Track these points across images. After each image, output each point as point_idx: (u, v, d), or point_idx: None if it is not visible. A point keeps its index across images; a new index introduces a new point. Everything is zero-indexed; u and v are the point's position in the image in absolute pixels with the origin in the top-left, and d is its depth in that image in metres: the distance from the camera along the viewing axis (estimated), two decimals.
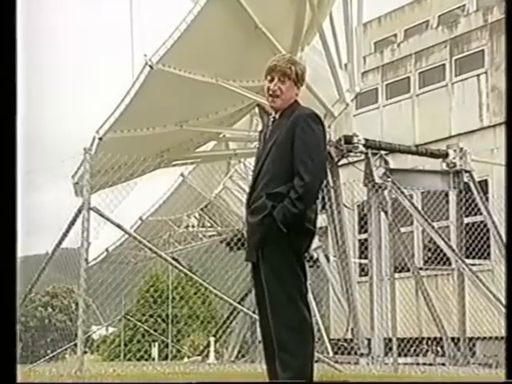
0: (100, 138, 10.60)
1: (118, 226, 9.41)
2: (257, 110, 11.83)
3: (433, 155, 12.24)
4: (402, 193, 11.29)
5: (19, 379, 2.81)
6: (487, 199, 12.62)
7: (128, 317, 20.56)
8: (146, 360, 19.11)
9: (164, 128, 11.19)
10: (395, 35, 20.86)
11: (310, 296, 11.41)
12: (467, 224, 12.48)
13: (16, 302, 2.82)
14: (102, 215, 8.69)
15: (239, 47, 10.02)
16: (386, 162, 11.34)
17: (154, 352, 18.93)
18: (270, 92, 4.04)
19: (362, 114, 18.17)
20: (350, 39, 11.25)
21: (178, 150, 12.18)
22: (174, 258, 13.01)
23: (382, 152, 11.36)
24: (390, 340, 10.52)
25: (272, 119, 4.14)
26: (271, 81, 4.05)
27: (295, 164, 3.89)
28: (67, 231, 8.94)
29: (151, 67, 9.63)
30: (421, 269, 13.13)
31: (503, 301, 9.48)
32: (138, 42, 11.52)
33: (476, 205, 12.06)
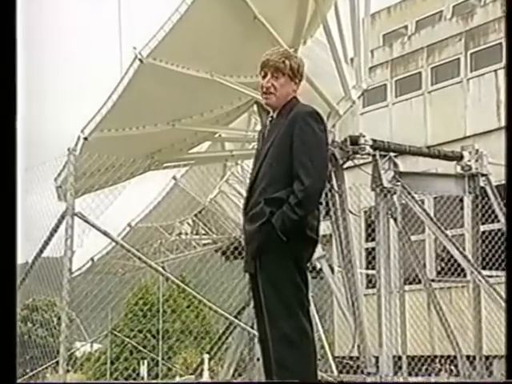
0: (85, 138, 10.62)
1: (105, 234, 9.42)
2: (255, 107, 11.84)
3: (446, 157, 12.26)
4: (413, 198, 11.30)
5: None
6: (505, 205, 12.65)
7: (115, 332, 20.55)
8: (135, 379, 19.10)
9: (155, 127, 11.21)
10: (406, 27, 20.92)
11: (313, 309, 11.43)
12: (483, 232, 12.51)
13: (16, 301, 3.07)
14: (87, 221, 8.71)
15: (236, 40, 10.05)
16: (396, 165, 11.35)
17: (143, 370, 18.91)
18: (264, 89, 4.09)
19: (370, 113, 18.22)
20: (356, 31, 11.28)
21: (170, 150, 12.19)
22: (163, 268, 13.02)
23: (391, 154, 11.38)
24: (400, 358, 10.53)
25: (270, 119, 4.18)
26: (264, 77, 4.11)
27: (294, 166, 3.93)
28: (49, 239, 8.96)
29: (141, 61, 9.64)
30: (433, 281, 13.15)
31: None
32: (127, 34, 11.55)
33: (493, 211, 12.09)
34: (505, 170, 3.82)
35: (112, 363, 21.72)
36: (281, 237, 3.86)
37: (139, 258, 10.56)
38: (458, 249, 11.58)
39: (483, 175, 11.97)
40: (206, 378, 14.37)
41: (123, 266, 16.60)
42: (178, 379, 16.12)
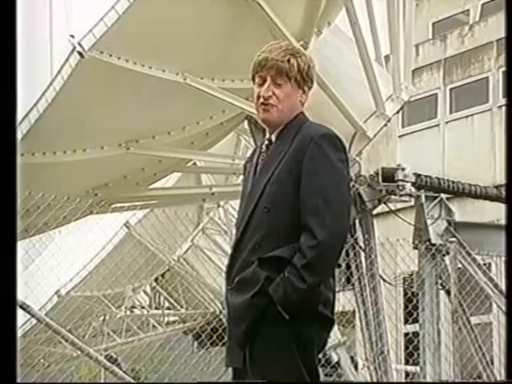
0: None
1: (21, 307, 9.39)
2: (246, 125, 11.94)
3: None
4: (474, 261, 11.34)
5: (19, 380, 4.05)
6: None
7: None
8: None
9: (101, 151, 11.27)
10: (466, 12, 21.20)
11: None
12: None
13: (16, 299, 4.02)
14: None
15: (222, 29, 10.17)
16: (450, 212, 11.42)
17: None
18: (261, 100, 4.15)
19: (412, 135, 18.34)
20: (394, 19, 11.44)
21: (122, 185, 12.24)
22: (110, 358, 12.94)
23: (443, 196, 11.45)
24: None
25: (266, 142, 4.23)
26: (261, 83, 4.17)
27: (303, 213, 3.98)
28: None
29: (81, 55, 9.71)
30: (504, 383, 13.13)
31: None
32: (61, 16, 11.64)
33: None
34: (505, 171, 4.45)
35: None
36: (282, 314, 3.88)
37: (72, 344, 10.53)
38: None
39: None
40: None
41: (47, 355, 16.49)
42: None
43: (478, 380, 12.44)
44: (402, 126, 18.38)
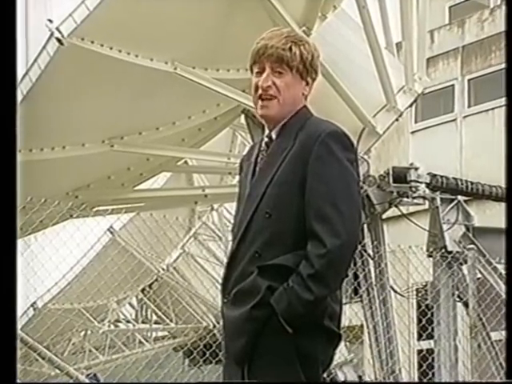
0: None
1: None
2: (243, 119, 11.95)
3: None
4: (495, 270, 11.36)
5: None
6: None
7: None
8: None
9: (82, 148, 11.28)
10: None
11: None
12: None
13: (16, 299, 4.33)
14: None
15: (217, 13, 10.20)
16: (468, 216, 11.43)
17: None
18: (260, 92, 4.16)
19: (426, 131, 18.34)
20: (406, 2, 11.46)
21: (105, 186, 12.25)
22: (92, 376, 12.96)
23: (461, 198, 11.46)
24: None
25: (266, 139, 4.23)
26: (260, 73, 4.18)
27: (309, 218, 3.99)
28: None
29: (60, 42, 9.72)
30: None
31: None
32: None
33: None
34: (505, 171, 4.81)
35: None
36: (284, 328, 3.89)
37: (49, 361, 10.55)
38: None
39: None
40: None
41: (23, 374, 16.49)
42: None
43: None
44: (415, 121, 18.39)
